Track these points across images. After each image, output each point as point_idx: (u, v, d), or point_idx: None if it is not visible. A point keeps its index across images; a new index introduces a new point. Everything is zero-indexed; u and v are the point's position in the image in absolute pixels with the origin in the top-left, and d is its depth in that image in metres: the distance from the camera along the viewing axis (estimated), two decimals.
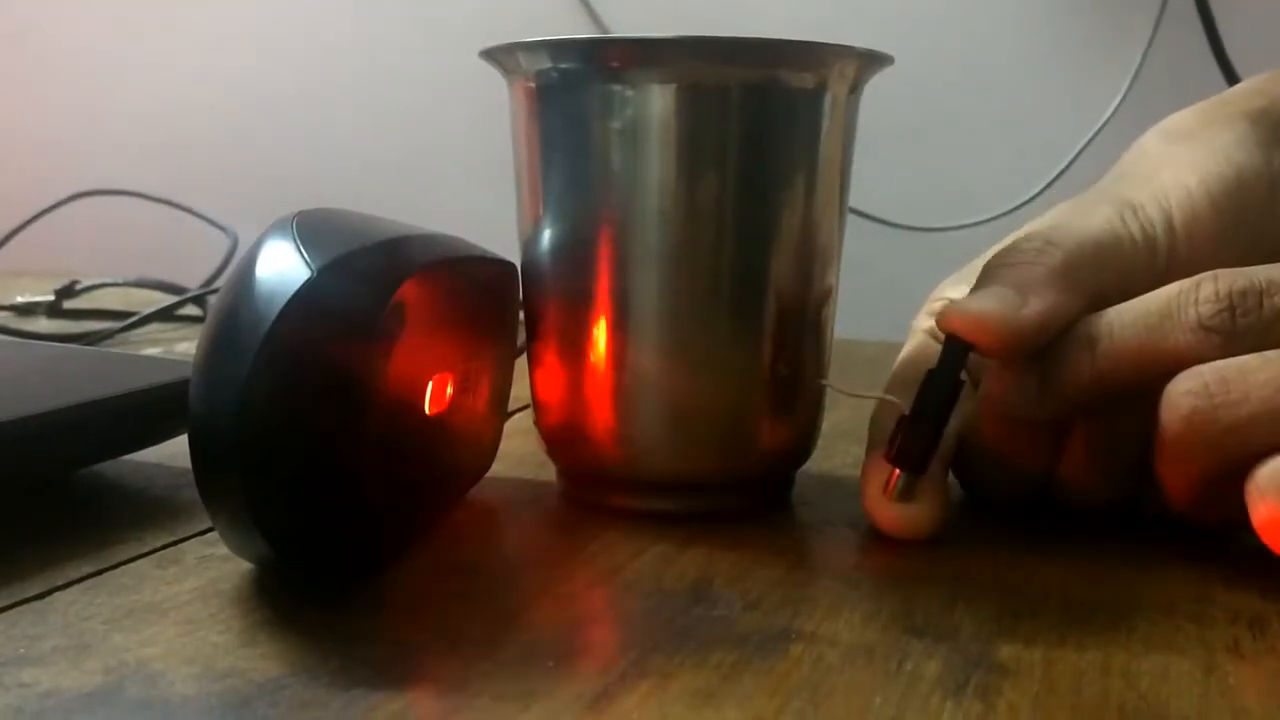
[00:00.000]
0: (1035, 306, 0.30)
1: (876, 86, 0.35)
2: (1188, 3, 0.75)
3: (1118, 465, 0.32)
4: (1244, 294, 0.29)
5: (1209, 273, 0.30)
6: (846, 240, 0.35)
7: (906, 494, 0.31)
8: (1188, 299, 0.29)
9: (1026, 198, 0.76)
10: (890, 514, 0.32)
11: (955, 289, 0.35)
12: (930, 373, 0.31)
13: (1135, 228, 0.32)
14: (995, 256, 0.32)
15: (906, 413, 0.31)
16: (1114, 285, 0.31)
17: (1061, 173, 0.77)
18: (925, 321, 0.37)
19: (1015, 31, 0.82)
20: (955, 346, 0.31)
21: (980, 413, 0.33)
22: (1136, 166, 0.35)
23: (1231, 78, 0.73)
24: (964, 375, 0.31)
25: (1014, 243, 0.32)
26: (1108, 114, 0.77)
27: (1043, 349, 0.31)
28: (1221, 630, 0.27)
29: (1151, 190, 0.33)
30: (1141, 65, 0.77)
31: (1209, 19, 0.74)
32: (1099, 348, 0.30)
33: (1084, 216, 0.33)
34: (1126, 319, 0.30)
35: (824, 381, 0.35)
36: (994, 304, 0.30)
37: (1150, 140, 0.36)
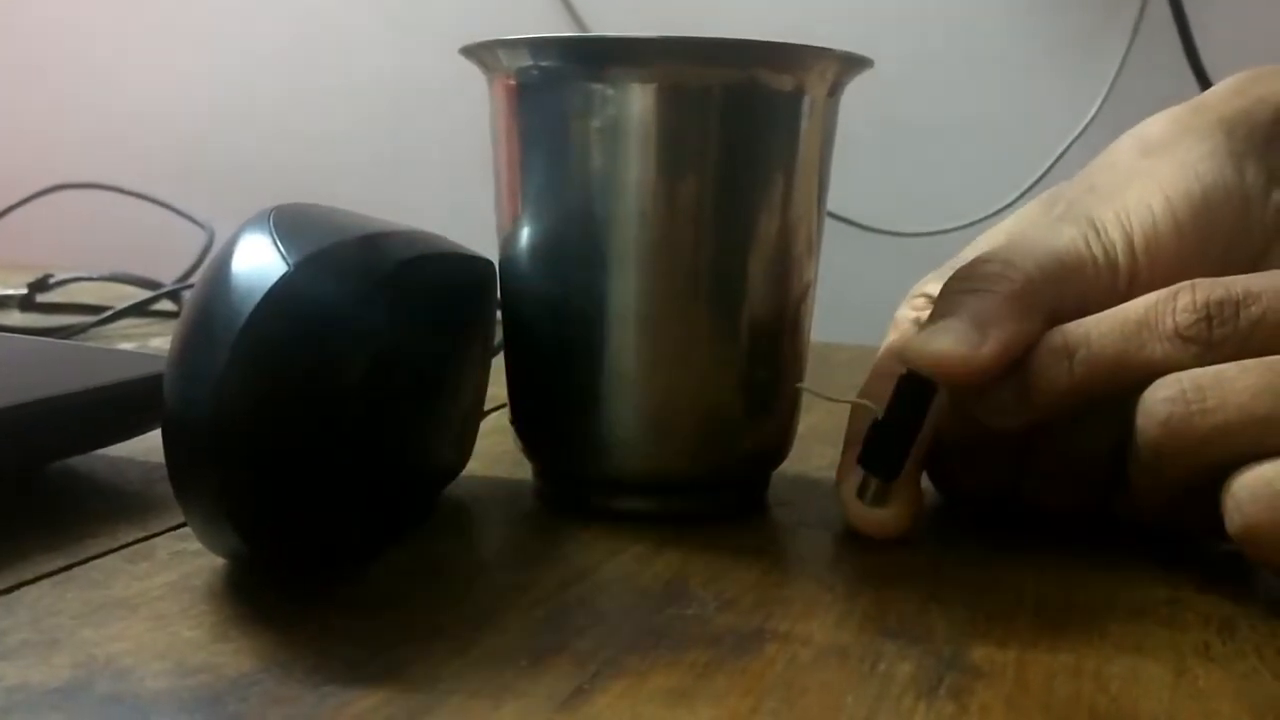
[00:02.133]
0: (993, 342, 0.30)
1: (855, 91, 0.35)
2: (1164, 11, 0.75)
3: (1085, 472, 0.32)
4: (1221, 304, 0.29)
5: (1187, 282, 0.30)
6: (824, 244, 0.35)
7: (880, 496, 0.32)
8: (1165, 308, 0.29)
9: (1004, 204, 0.77)
10: (864, 515, 0.32)
11: (937, 285, 0.35)
12: (901, 379, 0.31)
13: (1098, 249, 0.32)
14: (954, 279, 0.32)
15: (880, 416, 0.31)
16: (1073, 306, 0.31)
17: (1039, 179, 0.78)
18: (908, 313, 0.38)
19: (992, 39, 0.83)
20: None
21: (950, 415, 0.33)
22: (1106, 178, 0.35)
23: (1207, 87, 0.73)
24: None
25: (973, 265, 0.32)
26: (1085, 121, 0.77)
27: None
28: (1193, 634, 0.27)
29: (1116, 209, 0.33)
30: (1118, 73, 0.77)
31: (1185, 28, 0.75)
32: (1077, 356, 0.30)
33: (1049, 233, 0.33)
34: (1104, 328, 0.30)
35: (801, 385, 0.35)
36: (951, 343, 0.30)
37: (1123, 149, 0.36)
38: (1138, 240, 0.32)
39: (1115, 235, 0.32)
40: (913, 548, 0.32)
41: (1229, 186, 0.33)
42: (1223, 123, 0.34)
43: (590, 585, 0.29)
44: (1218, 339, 0.29)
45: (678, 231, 0.32)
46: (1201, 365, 0.29)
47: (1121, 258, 0.32)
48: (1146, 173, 0.34)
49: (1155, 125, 0.35)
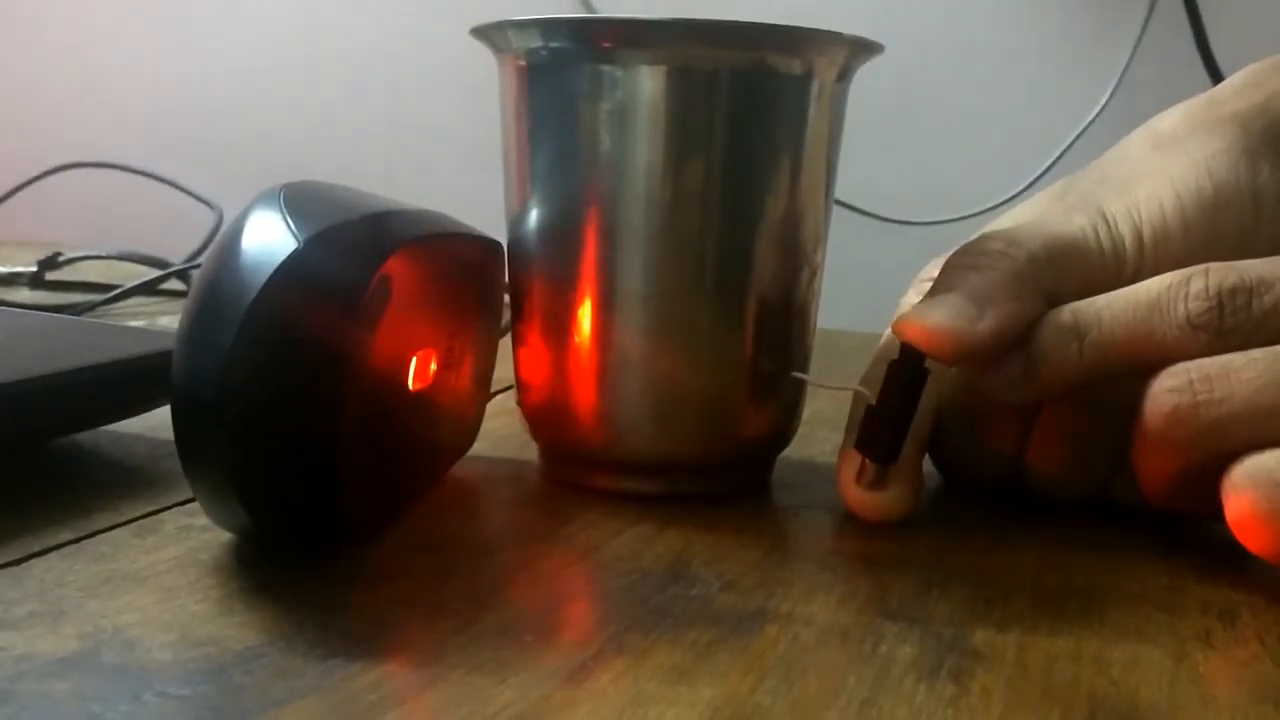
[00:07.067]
0: (991, 319, 0.30)
1: (863, 80, 0.35)
2: (1176, 3, 0.75)
3: (1087, 453, 0.32)
4: (1234, 292, 0.29)
5: (1200, 266, 0.29)
6: (834, 233, 0.35)
7: (880, 479, 0.32)
8: (1177, 294, 0.29)
9: (1011, 194, 0.77)
10: (862, 498, 0.32)
11: None
12: (892, 364, 0.31)
13: (1106, 240, 0.32)
14: (956, 255, 0.32)
15: (873, 403, 0.31)
16: (1074, 292, 0.31)
17: (1047, 169, 0.78)
18: (913, 298, 0.38)
19: (1004, 28, 0.83)
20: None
21: (955, 390, 0.33)
22: (1117, 171, 0.35)
23: (1218, 79, 0.73)
24: (928, 365, 0.31)
25: (977, 242, 0.32)
26: (1094, 112, 0.77)
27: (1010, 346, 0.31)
28: (1193, 620, 0.27)
29: (1127, 203, 0.32)
30: (1129, 64, 0.77)
31: (1197, 20, 0.74)
32: (1087, 338, 0.30)
33: (1058, 219, 0.33)
34: (1116, 310, 0.30)
35: (798, 375, 0.34)
36: (948, 317, 0.30)
37: (1136, 142, 0.35)
38: (1146, 236, 0.32)
39: (1124, 229, 0.32)
40: (914, 531, 0.32)
41: (1242, 184, 0.32)
42: (1237, 118, 0.33)
43: (593, 564, 0.29)
44: (1229, 327, 0.29)
45: (685, 214, 0.32)
46: (1211, 353, 0.29)
47: (1129, 252, 0.32)
48: (1158, 168, 0.33)
49: (1169, 119, 0.35)
